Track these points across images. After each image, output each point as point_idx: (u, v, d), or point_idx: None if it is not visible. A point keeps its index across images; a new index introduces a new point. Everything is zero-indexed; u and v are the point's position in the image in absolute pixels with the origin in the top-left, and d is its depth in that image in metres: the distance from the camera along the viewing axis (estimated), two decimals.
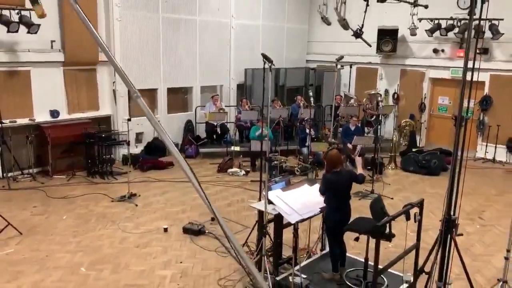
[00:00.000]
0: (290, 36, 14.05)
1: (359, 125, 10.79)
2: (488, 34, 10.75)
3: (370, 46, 12.02)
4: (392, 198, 8.35)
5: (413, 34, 11.91)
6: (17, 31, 8.25)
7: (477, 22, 10.85)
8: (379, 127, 12.11)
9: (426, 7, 11.10)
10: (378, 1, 9.60)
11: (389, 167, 10.43)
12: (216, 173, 9.90)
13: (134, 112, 10.66)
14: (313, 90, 13.58)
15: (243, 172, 9.80)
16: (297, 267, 4.98)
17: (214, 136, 11.44)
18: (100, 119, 10.10)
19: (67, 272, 5.48)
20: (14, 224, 6.43)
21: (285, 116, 11.20)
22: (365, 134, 10.69)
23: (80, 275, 5.43)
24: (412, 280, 4.85)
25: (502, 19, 10.53)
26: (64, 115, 9.69)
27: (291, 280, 4.90)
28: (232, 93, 12.71)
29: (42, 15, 7.61)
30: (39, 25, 8.45)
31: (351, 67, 12.66)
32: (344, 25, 10.12)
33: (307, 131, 10.39)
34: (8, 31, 8.14)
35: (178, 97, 11.76)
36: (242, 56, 12.59)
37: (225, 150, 10.72)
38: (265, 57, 5.28)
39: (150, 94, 10.98)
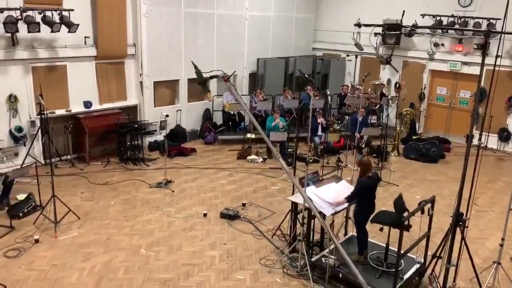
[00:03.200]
0: (298, 25, 14.76)
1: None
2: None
3: (397, 71, 12.90)
4: (397, 185, 9.38)
5: (431, 59, 12.91)
6: (59, 31, 8.93)
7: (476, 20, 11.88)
8: (381, 115, 13.14)
9: None
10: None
11: (392, 154, 11.44)
12: (236, 160, 10.81)
13: (158, 102, 11.52)
14: (319, 79, 14.48)
15: (261, 159, 10.74)
16: (327, 250, 6.01)
17: (230, 124, 12.32)
18: (127, 108, 10.91)
19: (129, 253, 6.45)
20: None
21: (297, 107, 12.08)
22: (369, 121, 11.65)
23: (142, 256, 6.40)
24: (422, 261, 5.92)
25: (500, 19, 11.41)
26: (96, 106, 10.46)
27: (323, 260, 5.94)
28: (245, 82, 13.51)
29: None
30: (78, 25, 9.13)
31: (356, 57, 13.56)
32: (382, 61, 11.19)
33: (319, 120, 11.31)
34: (52, 31, 8.82)
35: (197, 87, 12.50)
36: (254, 46, 13.34)
37: (241, 137, 11.62)
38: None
39: (173, 84, 11.75)
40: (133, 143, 10.26)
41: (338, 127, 12.51)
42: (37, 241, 6.58)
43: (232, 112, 12.02)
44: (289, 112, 12.34)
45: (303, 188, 5.95)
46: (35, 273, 5.86)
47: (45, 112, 9.08)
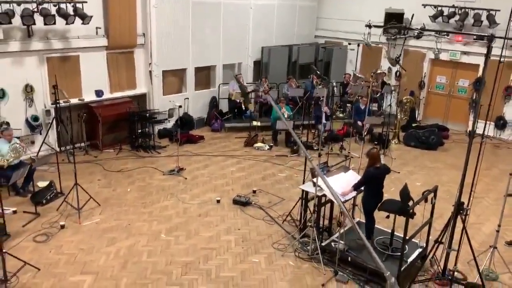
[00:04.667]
0: (301, 13, 14.99)
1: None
2: (485, 23, 12.01)
3: (405, 71, 13.23)
4: (398, 172, 9.83)
5: (437, 57, 13.23)
6: (73, 23, 9.18)
7: (476, 11, 12.19)
8: (382, 103, 13.54)
9: None
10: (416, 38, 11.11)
11: (393, 142, 11.87)
12: (243, 147, 11.20)
13: (166, 90, 11.84)
14: (321, 67, 14.77)
15: (267, 146, 11.13)
16: (336, 235, 6.47)
17: (236, 111, 12.67)
18: (137, 97, 11.23)
19: (151, 238, 6.88)
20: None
21: (301, 95, 12.45)
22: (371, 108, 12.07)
23: (162, 240, 6.84)
24: (424, 246, 6.39)
25: (499, 10, 11.75)
26: (107, 94, 10.77)
27: (333, 245, 6.40)
28: (250, 70, 13.81)
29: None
30: (91, 16, 9.38)
31: (358, 45, 13.90)
32: (393, 63, 11.72)
33: (323, 109, 11.66)
34: (67, 23, 9.08)
35: (203, 75, 12.83)
36: (258, 34, 13.60)
37: (247, 125, 11.98)
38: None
39: (180, 73, 12.04)
40: (144, 129, 10.60)
41: (341, 115, 12.93)
42: (62, 226, 6.99)
43: (238, 100, 12.35)
44: (293, 100, 12.71)
45: (315, 179, 6.38)
46: (65, 257, 6.28)
47: (60, 101, 9.43)
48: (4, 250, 5.53)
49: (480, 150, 5.26)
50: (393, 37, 11.69)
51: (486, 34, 5.24)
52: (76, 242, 6.66)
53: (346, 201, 6.29)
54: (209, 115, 12.71)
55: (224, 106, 12.92)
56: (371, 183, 6.13)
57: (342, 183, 6.41)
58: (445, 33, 12.65)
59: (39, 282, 5.73)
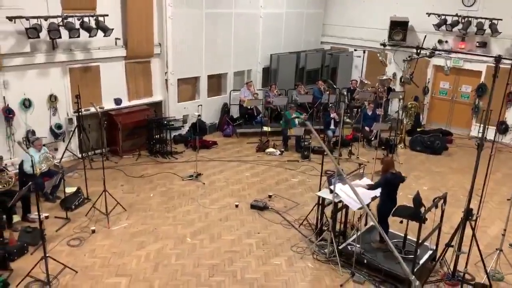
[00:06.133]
0: (308, 20, 15.42)
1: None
2: (488, 31, 12.47)
3: (418, 87, 13.74)
4: (406, 177, 10.25)
5: (447, 74, 13.74)
6: (96, 35, 9.62)
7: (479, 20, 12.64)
8: (388, 108, 14.02)
9: None
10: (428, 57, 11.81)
11: (400, 147, 12.32)
12: (255, 152, 11.64)
13: (181, 97, 12.29)
14: (328, 73, 15.22)
15: (278, 151, 11.58)
16: (353, 237, 6.93)
17: (247, 117, 13.12)
18: (153, 104, 11.67)
19: (177, 242, 7.33)
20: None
21: (310, 101, 12.94)
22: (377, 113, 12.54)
23: (188, 244, 7.28)
24: (435, 248, 6.85)
25: (501, 19, 12.21)
26: (125, 102, 11.20)
27: (349, 248, 6.85)
28: (258, 76, 14.25)
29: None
30: (112, 29, 9.82)
31: (364, 52, 14.35)
32: (408, 82, 12.70)
33: (332, 115, 12.13)
34: (90, 36, 9.51)
35: (215, 82, 13.27)
36: (267, 42, 14.04)
37: (258, 130, 12.42)
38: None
39: (194, 81, 12.50)
40: (161, 136, 11.04)
41: (349, 120, 13.39)
42: (93, 231, 7.44)
43: (249, 107, 12.79)
44: (302, 106, 13.18)
45: (331, 186, 6.83)
46: (99, 260, 6.73)
47: (81, 109, 9.88)
48: (47, 255, 5.97)
49: (488, 164, 5.69)
50: (408, 59, 12.28)
51: (494, 55, 5.68)
52: (107, 246, 7.11)
53: (362, 207, 6.73)
54: (220, 120, 13.16)
55: (234, 111, 13.37)
56: (387, 188, 6.59)
57: (358, 190, 6.85)
58: (443, 28, 13.08)
59: (78, 284, 6.17)
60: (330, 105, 12.30)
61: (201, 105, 12.57)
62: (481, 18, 12.61)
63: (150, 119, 10.90)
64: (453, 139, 13.19)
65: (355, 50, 14.88)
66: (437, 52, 12.03)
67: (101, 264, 6.65)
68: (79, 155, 10.43)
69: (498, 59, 5.35)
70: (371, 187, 6.80)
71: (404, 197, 8.36)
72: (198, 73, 12.42)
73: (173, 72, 11.68)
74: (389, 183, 6.61)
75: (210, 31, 12.28)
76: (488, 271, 6.27)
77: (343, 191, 6.78)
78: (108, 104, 10.88)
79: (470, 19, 12.82)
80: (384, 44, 8.52)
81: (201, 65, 12.39)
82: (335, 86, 8.25)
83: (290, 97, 13.53)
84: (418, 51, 10.15)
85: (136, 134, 11.01)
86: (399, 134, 12.57)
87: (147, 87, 11.62)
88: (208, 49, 12.39)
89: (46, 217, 7.79)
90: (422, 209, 6.29)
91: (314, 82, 14.42)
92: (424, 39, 11.63)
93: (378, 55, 13.61)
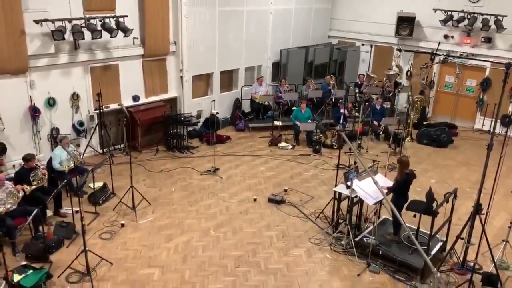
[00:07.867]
0: (316, 15, 15.73)
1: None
2: (493, 27, 12.80)
3: (426, 88, 14.18)
4: (414, 170, 10.68)
5: (458, 77, 13.94)
6: (116, 36, 9.97)
7: (484, 16, 12.96)
8: (396, 102, 14.35)
9: None
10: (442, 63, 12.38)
11: (407, 140, 12.74)
12: (268, 147, 12.05)
13: (195, 94, 12.67)
14: (336, 67, 15.57)
15: (290, 146, 11.99)
16: (368, 230, 7.38)
17: (259, 112, 13.50)
18: (168, 100, 12.06)
19: (202, 234, 7.78)
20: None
21: (319, 96, 13.32)
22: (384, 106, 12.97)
23: (212, 236, 7.74)
24: (445, 239, 7.32)
25: (506, 16, 12.54)
26: (142, 99, 11.59)
27: (365, 240, 7.31)
28: (268, 71, 14.61)
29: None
30: (132, 29, 10.17)
31: (371, 47, 14.68)
32: (424, 86, 13.13)
33: (342, 110, 12.53)
34: (111, 37, 9.87)
35: (227, 78, 13.64)
36: (277, 37, 14.38)
37: (270, 125, 12.83)
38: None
39: (207, 77, 12.87)
40: (177, 131, 11.45)
41: (357, 115, 13.76)
42: (123, 225, 7.89)
43: (262, 102, 13.18)
44: (311, 100, 13.57)
45: (348, 182, 7.27)
46: (131, 252, 7.19)
47: (102, 107, 10.29)
48: (87, 248, 6.43)
49: (499, 165, 6.12)
50: (425, 66, 12.71)
51: (505, 62, 6.05)
52: (137, 239, 7.56)
53: (377, 202, 7.17)
54: (233, 115, 13.55)
55: (246, 106, 13.76)
56: (403, 186, 7.04)
57: (373, 186, 7.28)
58: (449, 23, 13.43)
59: (115, 275, 6.63)
60: (340, 100, 12.69)
61: (214, 100, 13.01)
62: (487, 14, 12.94)
63: (167, 115, 11.29)
64: (458, 132, 13.60)
65: (362, 44, 15.22)
66: (449, 58, 12.39)
67: (134, 256, 7.11)
68: (100, 151, 10.85)
69: (508, 65, 5.71)
70: (391, 189, 7.20)
71: (413, 191, 8.75)
72: (211, 70, 12.79)
73: (187, 69, 12.04)
74: (406, 181, 7.05)
75: (222, 28, 12.62)
76: (495, 261, 6.73)
77: (359, 187, 7.21)
78: (127, 101, 11.26)
79: (475, 15, 13.14)
80: (400, 49, 8.92)
81: (214, 62, 12.75)
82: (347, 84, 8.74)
83: (300, 92, 13.90)
84: (433, 57, 10.53)
85: (153, 130, 11.42)
86: (406, 128, 12.99)
87: (163, 84, 11.99)
88: (221, 46, 12.74)
89: (76, 212, 8.22)
90: (434, 204, 6.74)
91: (322, 77, 14.78)
92: (438, 45, 12.07)
93: (394, 60, 14.05)
